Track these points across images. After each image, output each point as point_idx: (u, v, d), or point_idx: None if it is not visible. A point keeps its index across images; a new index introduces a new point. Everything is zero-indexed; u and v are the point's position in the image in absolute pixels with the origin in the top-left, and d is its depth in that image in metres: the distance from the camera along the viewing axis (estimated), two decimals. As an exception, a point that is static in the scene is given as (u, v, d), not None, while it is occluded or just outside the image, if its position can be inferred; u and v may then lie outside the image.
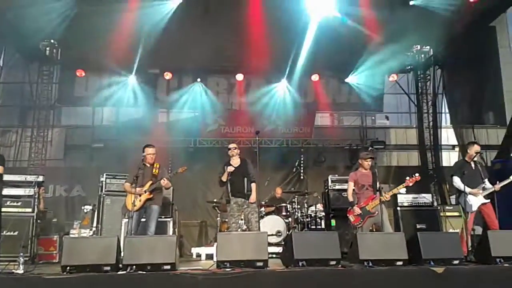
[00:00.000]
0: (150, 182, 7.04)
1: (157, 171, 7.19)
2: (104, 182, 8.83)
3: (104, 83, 13.10)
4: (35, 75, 12.74)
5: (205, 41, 10.95)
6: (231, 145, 7.88)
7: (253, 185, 7.54)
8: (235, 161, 7.66)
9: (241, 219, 7.89)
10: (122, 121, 14.03)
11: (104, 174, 8.92)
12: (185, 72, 13.33)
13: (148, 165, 7.21)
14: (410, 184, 6.97)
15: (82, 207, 9.88)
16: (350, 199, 7.20)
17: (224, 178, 7.57)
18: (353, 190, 7.23)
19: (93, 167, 12.20)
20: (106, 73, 13.09)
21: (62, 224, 10.19)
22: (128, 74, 12.90)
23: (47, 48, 12.70)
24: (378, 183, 6.97)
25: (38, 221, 7.99)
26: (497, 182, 7.08)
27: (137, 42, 10.83)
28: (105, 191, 8.77)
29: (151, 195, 7.01)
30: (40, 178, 7.89)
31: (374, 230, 7.29)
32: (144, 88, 13.18)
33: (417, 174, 7.00)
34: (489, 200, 7.13)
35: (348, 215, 7.15)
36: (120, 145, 12.65)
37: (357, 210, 6.97)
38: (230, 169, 7.55)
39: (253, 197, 7.51)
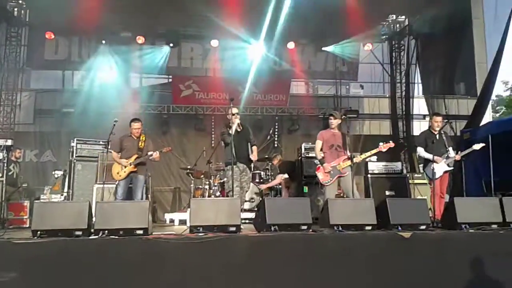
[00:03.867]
0: (136, 156, 7.39)
1: (142, 144, 7.51)
2: (74, 148, 8.70)
3: (74, 47, 12.76)
4: (3, 36, 12.24)
5: (179, 5, 10.71)
6: (235, 110, 7.57)
7: (254, 148, 7.63)
8: (238, 126, 7.46)
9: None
10: (93, 85, 13.73)
11: (75, 139, 8.79)
12: (158, 36, 13.04)
13: (135, 137, 7.51)
14: (383, 150, 7.10)
15: (53, 172, 9.77)
16: (319, 156, 7.14)
17: (232, 131, 7.29)
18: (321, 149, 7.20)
19: (64, 132, 12.01)
20: (76, 36, 12.74)
21: (33, 189, 10.04)
22: (98, 37, 12.57)
23: (15, 9, 12.26)
24: (348, 146, 7.02)
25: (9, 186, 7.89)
26: (459, 152, 7.40)
27: (109, 3, 10.46)
28: (76, 156, 8.64)
29: (135, 168, 7.38)
30: (9, 142, 7.70)
31: (343, 196, 7.42)
32: (115, 51, 12.87)
33: (391, 141, 7.16)
34: (451, 168, 7.40)
35: (316, 172, 7.15)
36: (91, 110, 12.42)
37: (327, 167, 6.94)
38: (236, 121, 7.37)
39: (254, 155, 7.59)
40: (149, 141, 7.70)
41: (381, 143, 7.12)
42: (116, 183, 7.45)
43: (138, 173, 7.44)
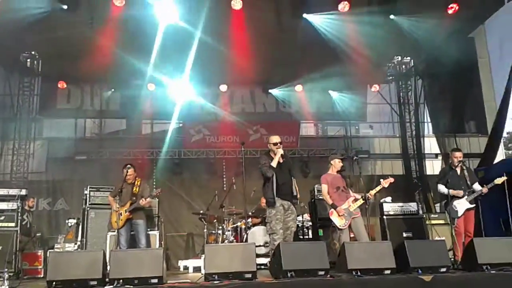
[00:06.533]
0: (130, 202, 7.30)
1: (137, 189, 7.43)
2: (88, 195, 8.72)
3: (86, 95, 13.02)
4: (16, 87, 12.53)
5: (188, 52, 10.96)
6: (276, 139, 6.72)
7: (294, 181, 6.82)
8: (280, 158, 6.64)
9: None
10: (105, 133, 13.93)
11: (88, 187, 8.82)
12: (169, 82, 13.27)
13: (129, 183, 7.44)
14: (385, 186, 7.07)
15: (66, 221, 9.73)
16: (329, 201, 6.98)
17: (274, 164, 6.52)
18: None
19: (76, 180, 12.02)
20: (88, 85, 13.01)
21: (46, 238, 10.01)
22: (109, 86, 12.84)
23: (28, 60, 12.58)
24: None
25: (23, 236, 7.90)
26: (484, 185, 7.20)
27: (119, 53, 10.71)
28: (89, 204, 8.66)
29: (131, 215, 7.26)
30: (23, 192, 7.77)
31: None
32: (126, 99, 13.10)
33: (389, 177, 7.20)
34: (474, 205, 7.21)
35: (330, 216, 6.97)
36: (103, 157, 12.55)
37: (341, 211, 6.84)
38: (280, 151, 6.51)
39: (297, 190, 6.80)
40: (145, 185, 7.65)
41: (381, 180, 7.13)
42: (116, 232, 7.27)
43: (136, 219, 7.32)
